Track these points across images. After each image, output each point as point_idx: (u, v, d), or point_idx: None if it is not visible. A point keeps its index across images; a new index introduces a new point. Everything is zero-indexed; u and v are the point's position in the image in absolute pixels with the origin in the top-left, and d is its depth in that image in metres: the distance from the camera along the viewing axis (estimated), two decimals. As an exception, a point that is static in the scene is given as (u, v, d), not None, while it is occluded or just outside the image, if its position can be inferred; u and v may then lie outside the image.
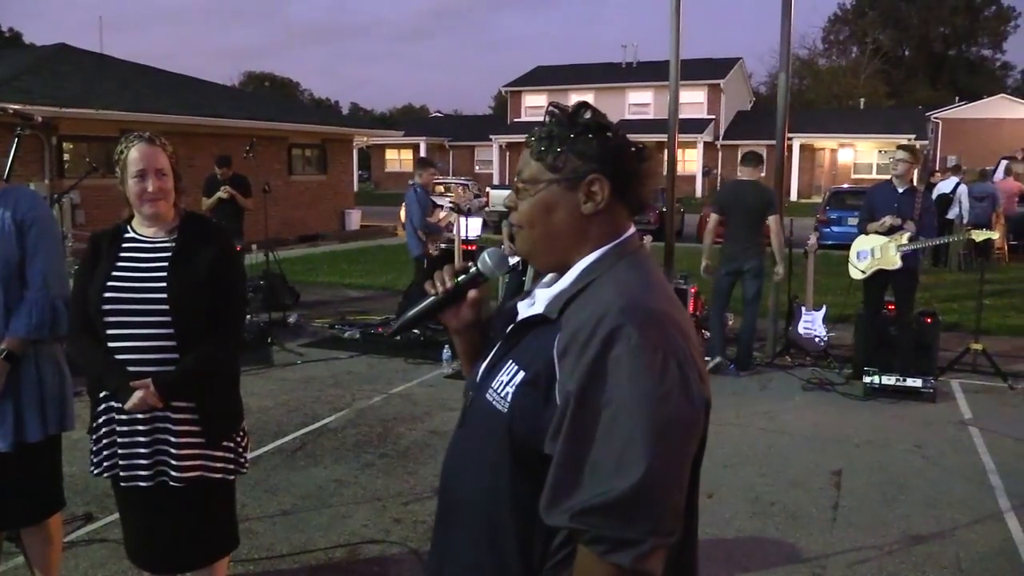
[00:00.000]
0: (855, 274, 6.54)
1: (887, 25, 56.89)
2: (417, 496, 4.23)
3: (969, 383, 6.52)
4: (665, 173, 7.84)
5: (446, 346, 6.73)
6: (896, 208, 6.28)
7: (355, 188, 23.69)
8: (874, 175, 32.15)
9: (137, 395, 2.37)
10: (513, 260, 1.63)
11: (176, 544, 2.56)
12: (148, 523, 2.54)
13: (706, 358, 6.80)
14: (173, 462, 2.44)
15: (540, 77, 41.58)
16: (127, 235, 2.53)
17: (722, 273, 6.87)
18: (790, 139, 25.79)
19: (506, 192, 1.47)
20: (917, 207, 6.28)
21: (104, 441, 2.49)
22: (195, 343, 2.44)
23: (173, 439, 2.44)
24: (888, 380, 6.09)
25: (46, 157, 13.20)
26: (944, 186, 13.80)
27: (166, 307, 2.40)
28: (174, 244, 2.50)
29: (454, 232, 8.37)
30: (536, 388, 1.25)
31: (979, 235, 6.56)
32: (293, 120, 19.05)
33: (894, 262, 6.24)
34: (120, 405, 2.42)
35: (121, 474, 2.46)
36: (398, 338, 7.04)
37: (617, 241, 1.35)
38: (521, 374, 1.28)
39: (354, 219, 20.61)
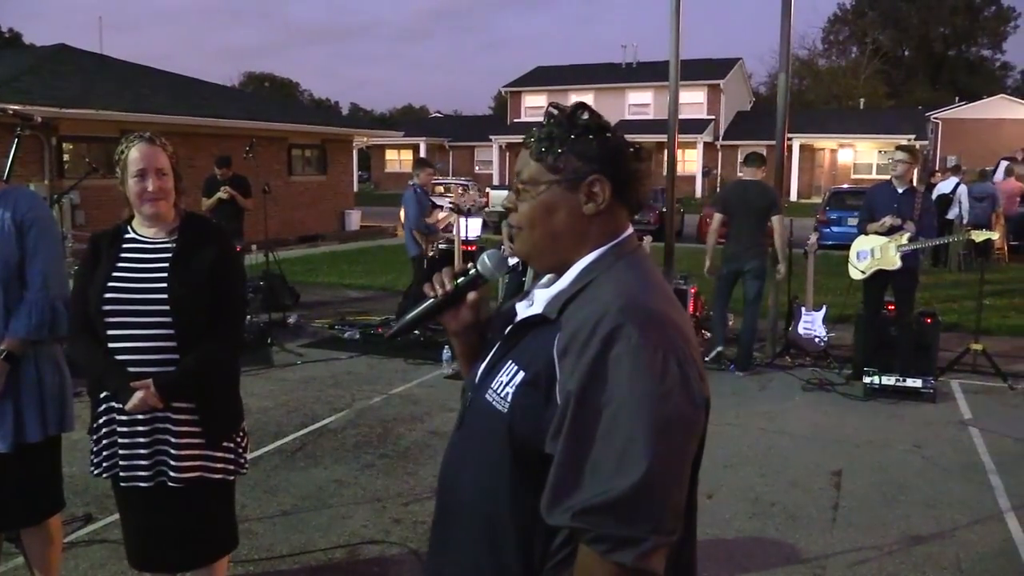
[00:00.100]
0: (855, 274, 6.54)
1: (887, 25, 56.89)
2: (417, 496, 4.23)
3: (969, 383, 6.52)
4: (665, 173, 7.83)
5: (446, 347, 6.72)
6: (896, 208, 6.28)
7: (355, 188, 23.70)
8: (874, 175, 32.15)
9: (137, 396, 2.37)
10: (512, 261, 1.63)
11: (176, 544, 2.55)
12: (148, 523, 2.54)
13: (706, 359, 6.81)
14: (173, 462, 2.44)
15: (540, 77, 41.60)
16: (127, 235, 2.53)
17: (723, 272, 6.89)
18: (790, 139, 25.82)
19: (506, 193, 1.47)
20: (917, 207, 6.28)
21: (104, 441, 2.49)
22: (195, 344, 2.44)
23: (173, 439, 2.44)
24: (888, 380, 6.09)
25: (46, 157, 13.20)
26: (944, 186, 13.81)
27: (166, 308, 2.40)
28: (174, 245, 2.50)
29: (454, 232, 8.37)
30: (536, 388, 1.25)
31: (979, 235, 6.56)
32: (293, 120, 19.05)
33: (894, 262, 6.24)
34: (120, 406, 2.42)
35: (121, 474, 2.46)
36: (398, 339, 7.03)
37: (616, 241, 1.35)
38: (521, 374, 1.28)
39: (354, 219, 20.61)
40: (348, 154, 21.81)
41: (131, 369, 2.40)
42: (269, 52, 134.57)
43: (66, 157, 13.85)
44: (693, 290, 7.67)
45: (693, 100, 35.88)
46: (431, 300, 1.50)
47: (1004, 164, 15.14)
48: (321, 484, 4.40)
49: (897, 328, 6.48)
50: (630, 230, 1.39)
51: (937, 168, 24.08)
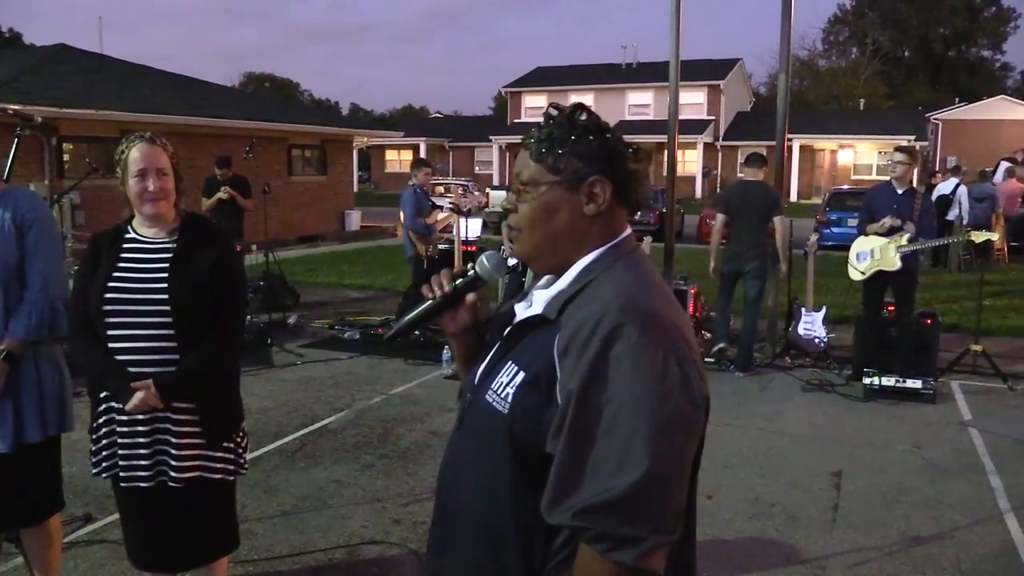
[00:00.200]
0: (854, 275, 6.54)
1: (887, 26, 56.90)
2: (417, 497, 4.23)
3: (969, 384, 6.52)
4: (665, 174, 7.84)
5: (446, 347, 6.72)
6: (895, 209, 6.29)
7: (355, 189, 23.69)
8: (874, 176, 32.15)
9: (138, 396, 2.37)
10: (512, 262, 1.63)
11: (176, 544, 2.56)
12: (148, 523, 2.54)
13: (707, 358, 6.81)
14: (173, 462, 2.44)
15: (540, 78, 41.61)
16: (128, 235, 2.53)
17: (723, 271, 6.90)
18: (790, 140, 25.80)
19: (506, 193, 1.47)
20: (916, 208, 6.29)
21: (104, 441, 2.49)
22: (195, 344, 2.44)
23: (173, 439, 2.45)
24: (888, 381, 6.09)
25: (46, 158, 13.20)
26: (944, 187, 13.81)
27: (167, 308, 2.41)
28: (175, 245, 2.50)
29: (454, 233, 8.36)
30: (537, 388, 1.25)
31: (978, 236, 6.56)
32: (293, 121, 19.05)
33: (894, 263, 6.25)
34: (120, 406, 2.42)
35: (121, 474, 2.46)
36: (397, 341, 7.03)
37: (615, 242, 1.35)
38: (521, 375, 1.28)
39: (354, 220, 20.61)
40: (348, 154, 21.81)
41: (131, 369, 2.40)
42: (269, 52, 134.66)
43: (66, 157, 13.85)
44: (693, 291, 7.67)
45: (693, 101, 35.88)
46: (430, 302, 1.50)
47: (1004, 165, 15.13)
48: (321, 484, 4.40)
49: (897, 329, 6.49)
50: (629, 231, 1.39)
51: (937, 169, 24.09)
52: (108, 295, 2.41)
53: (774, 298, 7.31)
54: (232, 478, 2.62)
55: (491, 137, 39.73)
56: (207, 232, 2.59)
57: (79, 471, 3.83)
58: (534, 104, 39.69)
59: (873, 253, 6.36)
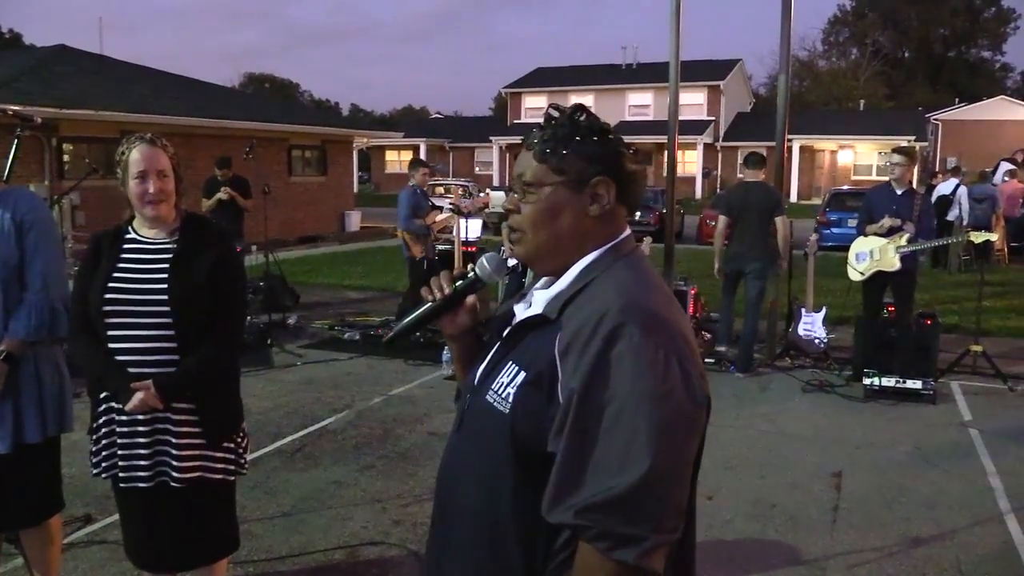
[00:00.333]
0: (854, 276, 6.54)
1: (887, 27, 56.95)
2: (417, 498, 4.22)
3: (969, 385, 6.52)
4: (665, 175, 7.84)
5: (445, 348, 6.72)
6: (895, 210, 6.29)
7: (355, 189, 23.71)
8: (874, 177, 32.15)
9: (138, 396, 2.37)
10: (512, 263, 1.63)
11: (176, 545, 2.55)
12: (148, 524, 2.54)
13: (707, 360, 6.81)
14: (173, 463, 2.44)
15: (540, 78, 41.63)
16: (128, 236, 2.53)
17: (726, 271, 6.91)
18: (790, 141, 25.82)
19: (505, 194, 1.47)
20: (916, 209, 6.29)
21: (104, 442, 2.49)
22: (196, 344, 2.44)
23: (173, 440, 2.44)
24: (888, 382, 6.09)
25: (46, 158, 13.21)
26: (944, 188, 13.80)
27: (167, 308, 2.41)
28: (175, 246, 2.50)
29: (454, 234, 8.36)
30: (538, 388, 1.25)
31: (978, 237, 6.57)
32: (293, 121, 19.06)
33: (893, 264, 6.25)
34: (120, 406, 2.42)
35: (121, 475, 2.46)
36: (396, 343, 7.03)
37: (614, 242, 1.35)
38: (522, 375, 1.28)
39: (354, 220, 20.62)
40: (348, 155, 21.82)
41: (131, 370, 2.40)
42: (269, 53, 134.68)
43: (66, 158, 13.86)
44: (693, 291, 7.67)
45: (693, 101, 35.90)
46: (429, 304, 1.50)
47: (1004, 166, 15.12)
48: (321, 485, 4.40)
49: (897, 329, 6.49)
50: (628, 231, 1.40)
51: (937, 169, 24.09)
52: (108, 295, 2.41)
53: (774, 298, 7.31)
54: (232, 478, 2.62)
55: (491, 138, 39.75)
56: (207, 233, 2.59)
57: (79, 471, 3.83)
58: (534, 105, 39.70)
59: (872, 254, 6.36)
